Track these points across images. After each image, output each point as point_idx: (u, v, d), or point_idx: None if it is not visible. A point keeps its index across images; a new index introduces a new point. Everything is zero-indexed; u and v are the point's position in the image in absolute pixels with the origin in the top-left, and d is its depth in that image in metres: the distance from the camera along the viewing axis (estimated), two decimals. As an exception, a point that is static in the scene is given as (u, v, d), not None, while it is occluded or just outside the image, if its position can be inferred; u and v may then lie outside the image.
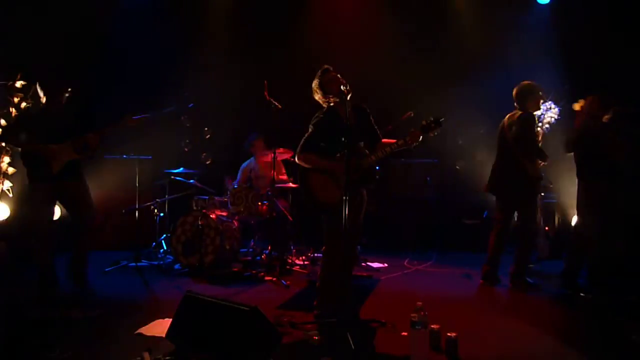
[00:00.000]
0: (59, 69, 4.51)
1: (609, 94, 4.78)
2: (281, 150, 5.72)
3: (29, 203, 4.44)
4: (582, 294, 4.43)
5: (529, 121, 4.83)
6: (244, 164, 6.56)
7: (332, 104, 3.90)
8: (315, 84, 3.94)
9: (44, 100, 4.42)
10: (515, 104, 4.99)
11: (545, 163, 4.92)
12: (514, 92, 4.95)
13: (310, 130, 3.88)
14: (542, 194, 5.06)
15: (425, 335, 3.11)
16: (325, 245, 3.89)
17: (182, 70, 6.98)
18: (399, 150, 3.77)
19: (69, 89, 4.47)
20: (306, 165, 3.85)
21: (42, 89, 4.40)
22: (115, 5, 6.86)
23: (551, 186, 5.97)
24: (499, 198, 5.10)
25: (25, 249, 5.11)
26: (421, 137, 3.68)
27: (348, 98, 3.64)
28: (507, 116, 5.02)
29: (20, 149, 4.38)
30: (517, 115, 4.89)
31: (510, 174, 4.91)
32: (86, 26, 6.41)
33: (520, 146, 4.82)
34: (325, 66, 3.94)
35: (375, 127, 3.98)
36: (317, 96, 3.96)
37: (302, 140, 3.87)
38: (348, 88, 3.66)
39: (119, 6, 6.86)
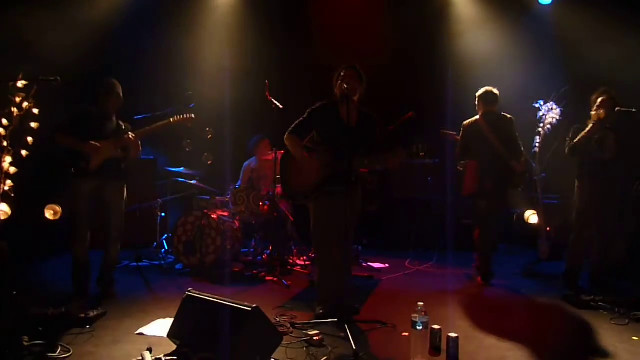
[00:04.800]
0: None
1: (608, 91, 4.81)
2: (283, 152, 5.72)
3: (70, 197, 4.43)
4: (582, 295, 4.42)
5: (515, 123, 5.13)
6: (246, 163, 6.56)
7: (335, 100, 3.95)
8: (335, 75, 3.98)
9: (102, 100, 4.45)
10: (492, 107, 5.16)
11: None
12: (497, 94, 5.17)
13: (304, 115, 3.98)
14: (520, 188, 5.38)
15: (426, 335, 3.12)
16: (313, 245, 3.99)
17: (183, 70, 7.00)
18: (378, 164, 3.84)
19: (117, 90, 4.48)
20: (289, 147, 3.97)
21: (100, 92, 4.43)
22: (116, 4, 6.87)
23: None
24: (488, 197, 5.13)
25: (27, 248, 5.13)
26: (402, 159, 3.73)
27: (350, 100, 3.68)
28: (487, 118, 5.12)
29: (63, 145, 4.36)
30: (508, 117, 5.11)
31: (501, 174, 5.05)
32: (87, 25, 6.42)
33: (512, 146, 5.03)
34: (352, 64, 3.96)
35: (375, 141, 4.00)
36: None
37: (295, 122, 4.00)
38: (347, 91, 3.70)
39: (120, 5, 6.87)
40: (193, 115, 4.68)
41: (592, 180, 4.82)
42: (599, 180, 4.78)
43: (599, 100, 4.74)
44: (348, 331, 3.34)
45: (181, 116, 4.65)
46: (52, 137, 4.31)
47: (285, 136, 3.98)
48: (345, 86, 3.74)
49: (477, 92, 5.33)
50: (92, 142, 4.30)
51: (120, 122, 4.59)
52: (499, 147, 5.03)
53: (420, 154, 3.60)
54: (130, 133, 4.45)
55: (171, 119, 4.62)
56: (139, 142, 4.48)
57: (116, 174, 4.48)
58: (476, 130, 5.15)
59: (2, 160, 4.17)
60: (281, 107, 5.31)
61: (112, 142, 4.40)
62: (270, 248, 5.69)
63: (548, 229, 5.74)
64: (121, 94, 4.50)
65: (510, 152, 5.04)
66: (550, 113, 5.35)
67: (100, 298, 4.36)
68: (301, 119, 3.99)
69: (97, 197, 4.44)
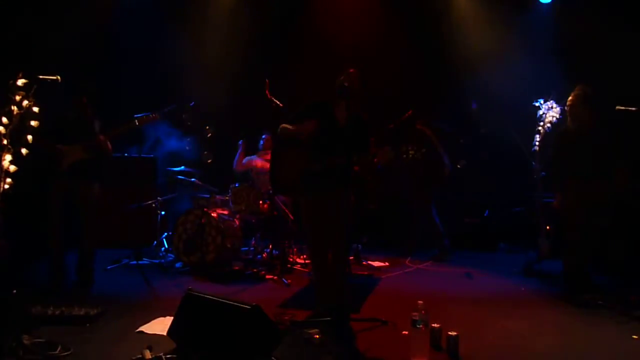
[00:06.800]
0: (71, 70, 4.58)
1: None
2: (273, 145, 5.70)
3: (45, 200, 4.63)
4: (583, 294, 4.42)
5: None
6: (251, 157, 6.51)
7: (331, 98, 3.95)
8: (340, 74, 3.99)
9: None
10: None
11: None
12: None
13: (298, 109, 4.01)
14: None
15: (426, 334, 3.12)
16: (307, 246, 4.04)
17: (183, 68, 6.99)
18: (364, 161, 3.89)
19: (85, 93, 4.68)
20: (282, 135, 3.97)
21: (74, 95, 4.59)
22: (117, 4, 6.87)
23: None
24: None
25: (30, 245, 5.15)
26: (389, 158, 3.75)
27: (346, 104, 3.72)
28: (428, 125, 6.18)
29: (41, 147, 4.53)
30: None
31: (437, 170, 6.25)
32: (88, 25, 6.42)
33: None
34: (351, 70, 3.95)
35: (367, 140, 4.00)
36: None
37: (289, 116, 4.06)
38: (347, 89, 3.70)
39: (121, 5, 6.87)
40: (157, 115, 4.88)
41: (578, 179, 4.81)
42: (586, 179, 4.77)
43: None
44: (348, 329, 3.34)
45: (145, 117, 4.83)
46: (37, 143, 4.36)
47: (280, 129, 3.98)
48: (346, 84, 3.74)
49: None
50: (59, 146, 4.55)
51: (94, 121, 4.76)
52: (438, 147, 6.18)
53: (410, 151, 3.65)
54: (100, 136, 4.64)
55: (136, 121, 4.79)
56: (108, 144, 4.69)
57: (86, 175, 4.70)
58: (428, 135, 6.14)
59: (2, 158, 4.17)
60: (281, 105, 5.31)
61: (81, 145, 4.61)
62: (270, 246, 5.69)
63: (548, 227, 5.73)
64: (83, 94, 4.68)
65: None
66: (550, 112, 5.34)
67: (79, 285, 4.60)
68: (295, 112, 4.00)
69: (70, 196, 4.66)
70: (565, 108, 4.88)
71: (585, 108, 4.71)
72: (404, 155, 3.66)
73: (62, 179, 4.61)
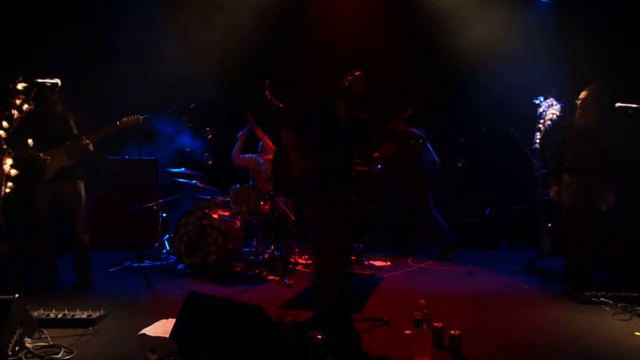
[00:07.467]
0: (55, 69, 4.53)
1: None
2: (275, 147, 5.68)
3: (31, 204, 4.64)
4: (584, 291, 4.42)
5: None
6: (251, 155, 6.48)
7: (333, 98, 3.95)
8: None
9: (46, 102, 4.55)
10: None
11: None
12: None
13: (300, 110, 3.99)
14: None
15: (428, 333, 3.12)
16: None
17: (183, 69, 6.99)
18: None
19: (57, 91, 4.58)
20: (285, 143, 3.97)
21: (41, 91, 4.39)
22: (116, 3, 6.88)
23: None
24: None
25: (29, 249, 5.16)
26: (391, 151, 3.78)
27: (349, 99, 3.71)
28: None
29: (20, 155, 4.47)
30: None
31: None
32: (86, 24, 6.43)
33: None
34: (357, 72, 3.94)
35: (368, 137, 4.01)
36: None
37: (291, 117, 4.06)
38: (347, 89, 3.71)
39: (119, 4, 6.88)
40: (140, 117, 4.86)
41: (579, 175, 4.81)
42: (586, 175, 4.77)
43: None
44: (350, 329, 3.34)
45: (128, 118, 4.81)
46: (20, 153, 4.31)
47: (282, 132, 3.98)
48: (346, 84, 3.74)
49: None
50: (43, 156, 4.51)
51: (69, 118, 4.73)
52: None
53: (412, 141, 3.70)
54: (83, 138, 4.63)
55: (118, 122, 4.78)
56: (91, 146, 4.65)
57: (71, 176, 4.72)
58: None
59: (3, 162, 4.17)
60: (281, 105, 5.31)
61: (64, 150, 4.62)
62: (272, 247, 5.69)
63: (549, 225, 5.73)
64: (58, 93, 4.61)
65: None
66: (550, 109, 5.34)
67: (79, 287, 4.68)
68: (297, 113, 4.00)
69: (57, 199, 4.70)
70: (577, 101, 4.88)
71: (595, 106, 4.72)
72: (408, 145, 3.70)
73: (46, 184, 4.61)
